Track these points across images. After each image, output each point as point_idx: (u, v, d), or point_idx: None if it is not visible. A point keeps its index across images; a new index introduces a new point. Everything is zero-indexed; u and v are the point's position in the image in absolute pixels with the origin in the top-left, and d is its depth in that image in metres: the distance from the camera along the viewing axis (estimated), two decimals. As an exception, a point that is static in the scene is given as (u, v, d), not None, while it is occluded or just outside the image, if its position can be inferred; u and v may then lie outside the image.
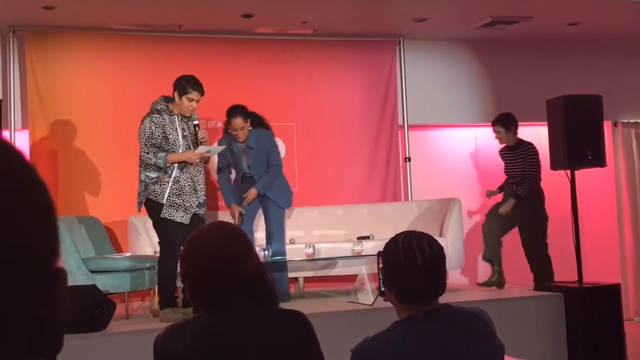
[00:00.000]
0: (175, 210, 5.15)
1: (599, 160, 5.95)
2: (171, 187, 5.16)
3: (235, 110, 5.92)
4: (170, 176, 5.17)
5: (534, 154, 6.47)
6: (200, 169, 5.34)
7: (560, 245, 6.32)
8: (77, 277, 5.44)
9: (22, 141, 6.78)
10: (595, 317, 5.52)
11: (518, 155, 6.51)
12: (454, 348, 2.05)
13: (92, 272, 5.51)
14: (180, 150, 5.19)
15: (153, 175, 5.19)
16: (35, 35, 6.92)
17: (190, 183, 5.23)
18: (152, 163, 5.17)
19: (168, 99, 5.35)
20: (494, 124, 6.63)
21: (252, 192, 6.02)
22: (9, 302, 0.56)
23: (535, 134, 8.03)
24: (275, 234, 6.06)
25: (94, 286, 4.98)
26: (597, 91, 6.27)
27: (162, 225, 5.17)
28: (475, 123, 8.17)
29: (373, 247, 6.25)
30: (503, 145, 6.67)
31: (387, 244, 2.19)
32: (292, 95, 7.53)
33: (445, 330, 2.08)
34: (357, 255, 6.05)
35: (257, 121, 6.06)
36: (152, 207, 5.21)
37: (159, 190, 5.16)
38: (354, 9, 6.92)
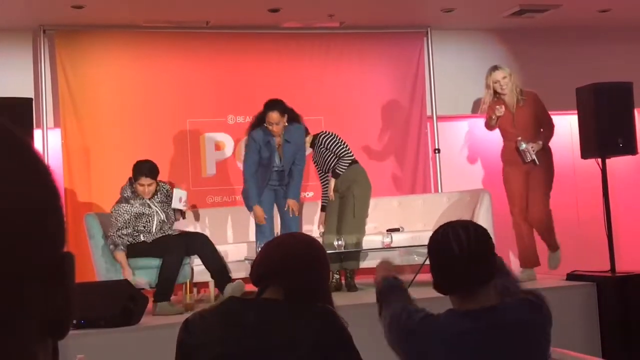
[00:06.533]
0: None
1: (630, 148, 5.89)
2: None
3: (273, 104, 5.85)
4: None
5: (332, 138, 6.26)
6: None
7: (593, 234, 6.26)
8: (110, 272, 5.52)
9: (54, 140, 6.88)
10: (628, 306, 5.47)
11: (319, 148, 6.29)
12: (496, 354, 2.04)
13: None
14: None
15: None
16: (65, 35, 7.00)
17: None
18: (110, 244, 5.60)
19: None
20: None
21: (295, 204, 6.03)
22: (18, 285, 0.58)
23: (566, 122, 7.96)
24: (292, 226, 6.02)
25: (126, 281, 5.05)
26: (627, 78, 6.19)
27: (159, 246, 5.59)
28: (504, 113, 8.10)
29: (403, 239, 6.26)
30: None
31: (431, 234, 2.22)
32: (320, 89, 7.54)
33: (494, 334, 2.05)
34: (387, 248, 6.05)
35: (294, 117, 6.02)
36: (135, 246, 5.66)
37: None
38: (381, 1, 6.90)
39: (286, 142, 5.97)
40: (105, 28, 7.06)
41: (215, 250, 5.64)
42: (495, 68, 6.37)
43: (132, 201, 5.59)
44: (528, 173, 6.28)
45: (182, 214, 5.87)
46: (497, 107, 6.36)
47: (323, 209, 6.52)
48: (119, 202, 5.62)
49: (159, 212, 5.64)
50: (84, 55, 7.02)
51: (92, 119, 6.96)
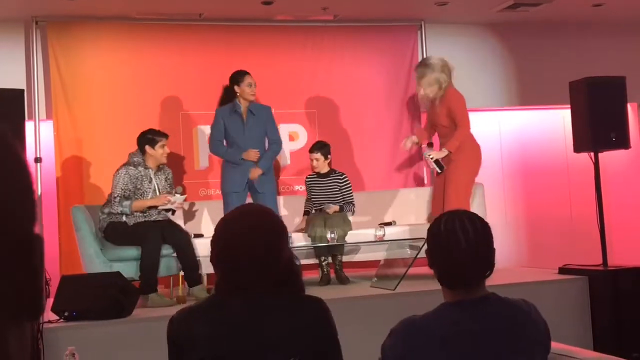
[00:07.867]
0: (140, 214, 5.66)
1: (622, 142, 5.90)
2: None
3: (245, 71, 6.11)
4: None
5: (349, 182, 6.41)
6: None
7: (586, 228, 6.27)
8: (95, 264, 5.49)
9: (46, 131, 6.85)
10: (620, 300, 5.49)
11: (330, 182, 6.38)
12: (494, 341, 2.01)
13: (110, 260, 5.57)
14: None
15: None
16: (58, 26, 6.97)
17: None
18: (119, 212, 5.56)
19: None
20: (312, 151, 6.44)
21: (257, 171, 5.91)
22: None
23: (559, 117, 7.97)
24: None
25: (118, 273, 5.03)
26: (620, 73, 6.20)
27: (137, 233, 5.54)
28: (498, 107, 8.11)
29: (396, 232, 6.26)
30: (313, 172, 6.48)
31: (431, 225, 2.13)
32: (314, 82, 7.53)
33: (490, 321, 2.03)
34: (380, 241, 6.06)
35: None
36: (117, 227, 5.59)
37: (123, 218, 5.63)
38: (374, -6, 6.89)
39: (250, 113, 6.04)
40: (98, 20, 7.02)
41: (191, 244, 5.65)
42: (415, 68, 6.31)
43: (139, 167, 5.67)
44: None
45: (172, 211, 5.86)
46: (407, 138, 6.42)
47: (306, 213, 6.52)
48: (126, 164, 5.68)
49: (156, 189, 5.68)
50: (76, 47, 6.99)
51: (85, 111, 6.94)
